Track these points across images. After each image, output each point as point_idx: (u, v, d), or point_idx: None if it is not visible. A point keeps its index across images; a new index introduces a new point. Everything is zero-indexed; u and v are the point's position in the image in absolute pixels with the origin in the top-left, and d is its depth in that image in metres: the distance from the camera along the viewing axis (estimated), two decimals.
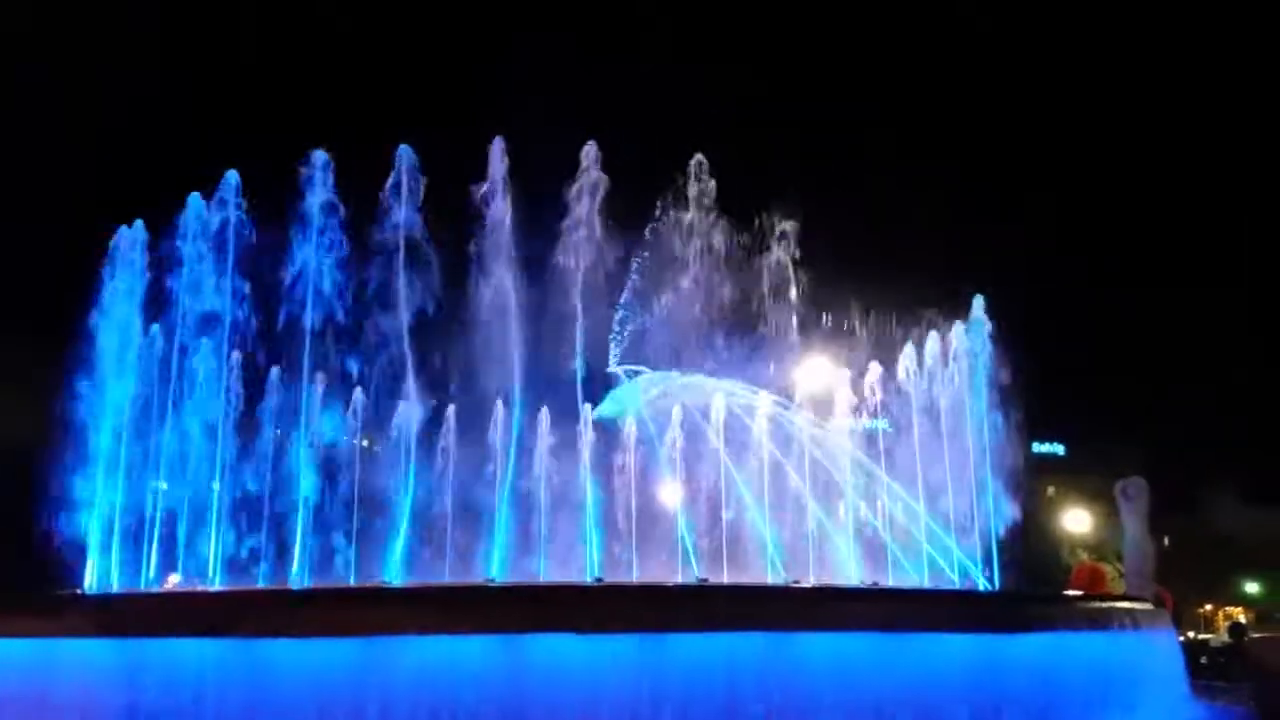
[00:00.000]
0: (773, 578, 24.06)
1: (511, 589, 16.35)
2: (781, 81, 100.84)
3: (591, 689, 12.89)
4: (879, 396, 28.74)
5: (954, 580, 24.58)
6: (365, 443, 27.22)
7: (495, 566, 22.85)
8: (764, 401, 27.98)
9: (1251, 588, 77.06)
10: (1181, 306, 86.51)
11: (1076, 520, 65.88)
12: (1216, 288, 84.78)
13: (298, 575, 22.81)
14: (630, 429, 27.09)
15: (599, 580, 20.98)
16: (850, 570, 25.28)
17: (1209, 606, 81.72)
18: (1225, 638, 46.76)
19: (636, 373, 29.09)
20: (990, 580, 24.80)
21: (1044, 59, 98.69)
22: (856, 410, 29.16)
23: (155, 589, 22.07)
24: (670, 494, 28.67)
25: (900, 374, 28.25)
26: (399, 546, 23.39)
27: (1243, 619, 71.27)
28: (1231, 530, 72.39)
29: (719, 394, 27.43)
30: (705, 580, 22.18)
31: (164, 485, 25.61)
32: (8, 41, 52.55)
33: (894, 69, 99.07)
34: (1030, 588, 25.91)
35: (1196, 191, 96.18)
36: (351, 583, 23.12)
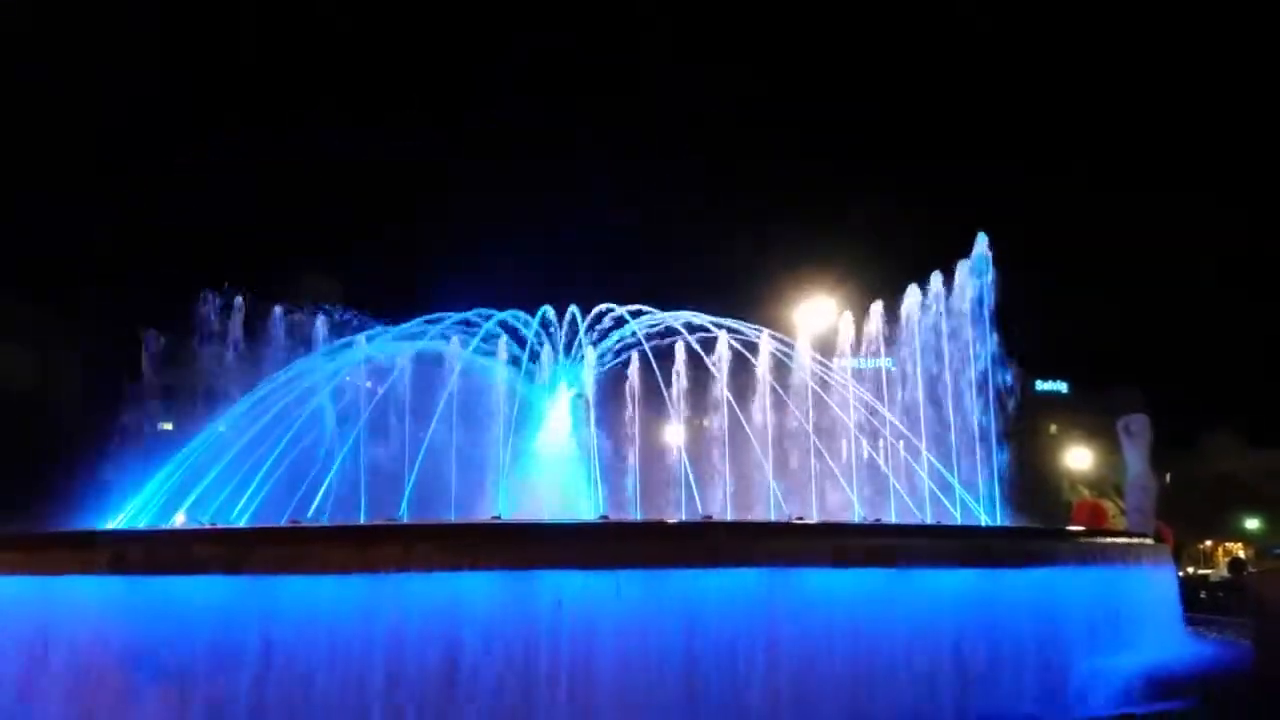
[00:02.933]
0: (775, 515, 24.26)
1: (519, 526, 16.44)
2: (781, 81, 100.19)
3: (596, 624, 13.04)
4: (882, 335, 28.76)
5: (956, 517, 24.73)
6: (369, 384, 27.44)
7: (501, 504, 23.07)
8: (765, 340, 28.05)
9: (1251, 524, 77.60)
10: (1189, 251, 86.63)
11: (1078, 457, 66.29)
12: (1224, 236, 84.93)
13: (312, 514, 23.03)
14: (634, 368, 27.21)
15: (604, 518, 21.15)
16: (853, 507, 25.47)
17: (1208, 543, 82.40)
18: (1224, 573, 47.23)
19: (639, 312, 29.06)
20: (991, 516, 24.95)
21: (1044, 59, 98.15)
22: (859, 349, 29.21)
23: (166, 527, 22.23)
24: (674, 433, 28.81)
25: (903, 312, 28.23)
26: (409, 486, 23.57)
27: (1242, 555, 71.89)
28: (1232, 468, 72.72)
29: (722, 332, 27.50)
30: (709, 517, 22.34)
31: (169, 426, 25.79)
32: (8, 41, 52.22)
33: (894, 69, 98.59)
34: (1031, 524, 26.04)
35: (1197, 153, 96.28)
36: (361, 521, 23.32)
